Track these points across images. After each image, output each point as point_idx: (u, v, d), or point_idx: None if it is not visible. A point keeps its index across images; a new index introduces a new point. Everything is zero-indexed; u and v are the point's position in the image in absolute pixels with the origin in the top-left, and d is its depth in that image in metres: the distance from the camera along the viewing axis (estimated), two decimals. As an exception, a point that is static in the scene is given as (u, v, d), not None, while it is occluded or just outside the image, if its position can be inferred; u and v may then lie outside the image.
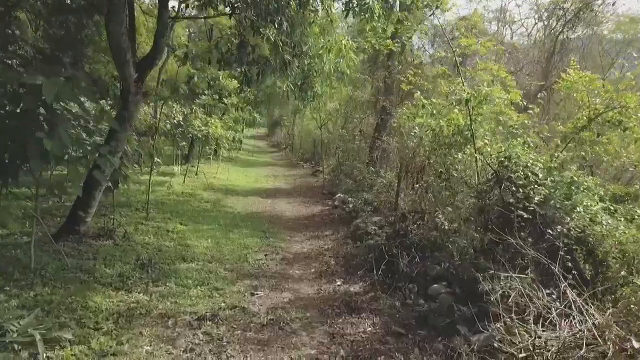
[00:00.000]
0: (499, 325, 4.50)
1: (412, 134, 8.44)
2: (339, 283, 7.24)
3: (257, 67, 7.77)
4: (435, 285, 6.56)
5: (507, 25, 23.48)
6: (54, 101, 4.94)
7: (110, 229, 8.09)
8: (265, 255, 8.57)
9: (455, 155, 6.98)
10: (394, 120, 9.38)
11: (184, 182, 15.40)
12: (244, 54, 7.42)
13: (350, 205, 11.98)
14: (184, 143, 16.95)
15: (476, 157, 6.67)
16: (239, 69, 7.99)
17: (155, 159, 11.79)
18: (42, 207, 9.56)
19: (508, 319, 4.59)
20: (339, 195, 13.65)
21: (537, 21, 19.90)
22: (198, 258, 7.91)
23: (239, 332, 5.37)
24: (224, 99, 20.91)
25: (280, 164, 28.62)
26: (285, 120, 36.17)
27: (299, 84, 8.71)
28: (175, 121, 17.49)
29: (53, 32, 15.60)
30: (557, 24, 16.14)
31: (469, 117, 6.81)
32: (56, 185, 6.10)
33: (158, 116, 13.19)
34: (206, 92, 21.01)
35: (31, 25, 16.09)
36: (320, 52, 8.16)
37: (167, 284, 6.53)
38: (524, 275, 4.86)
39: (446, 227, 6.46)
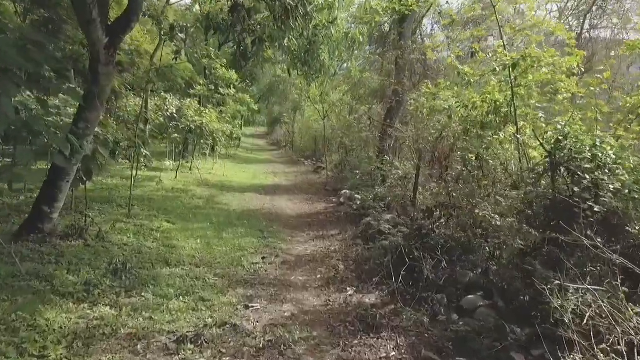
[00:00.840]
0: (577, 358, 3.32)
1: (436, 115, 7.28)
2: (350, 292, 6.05)
3: (253, 36, 6.59)
4: (470, 296, 5.38)
5: None
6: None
7: (81, 227, 6.90)
8: (263, 258, 7.38)
9: (494, 137, 5.79)
10: (409, 103, 8.17)
11: (175, 177, 14.20)
12: (238, 19, 6.24)
13: (358, 202, 10.80)
14: (176, 135, 15.71)
15: (518, 139, 5.48)
16: (232, 42, 6.83)
17: (144, 151, 10.60)
18: (13, 202, 8.41)
19: (585, 347, 3.44)
20: (344, 191, 12.47)
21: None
22: (184, 262, 6.73)
23: (227, 359, 4.18)
24: (220, 89, 19.78)
25: (280, 161, 27.44)
26: (285, 117, 35.01)
27: (302, 54, 7.53)
28: (168, 113, 16.33)
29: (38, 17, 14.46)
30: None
31: (510, 90, 5.62)
32: (2, 172, 4.88)
33: (142, 103, 11.88)
34: (201, 82, 19.90)
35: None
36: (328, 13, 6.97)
37: (143, 294, 5.35)
38: (602, 288, 3.68)
39: (497, 223, 5.23)
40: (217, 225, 9.23)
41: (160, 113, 16.98)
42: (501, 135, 5.68)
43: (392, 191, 8.49)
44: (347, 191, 12.32)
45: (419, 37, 12.32)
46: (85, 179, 7.01)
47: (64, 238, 6.68)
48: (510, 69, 5.35)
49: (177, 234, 8.07)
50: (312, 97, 17.24)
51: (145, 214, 9.08)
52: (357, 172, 10.83)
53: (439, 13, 11.80)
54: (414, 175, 7.70)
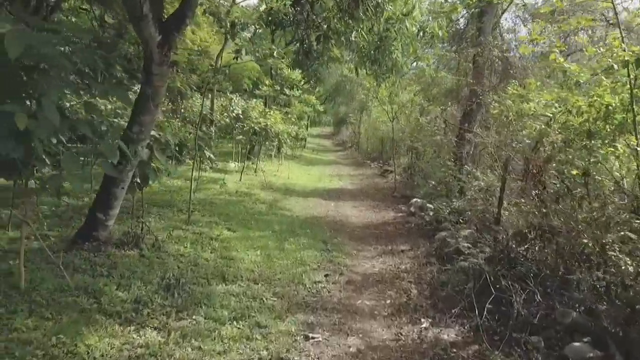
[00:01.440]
0: None
1: (525, 120, 6.30)
2: (425, 325, 5.25)
3: (318, 32, 5.96)
4: (575, 343, 4.42)
5: None
6: (20, 57, 3.36)
7: (137, 235, 6.59)
8: (326, 275, 6.73)
9: (608, 149, 4.76)
10: (492, 106, 7.20)
11: (240, 179, 13.95)
12: (301, 14, 5.64)
13: (431, 213, 9.89)
14: (241, 137, 15.51)
15: (638, 152, 4.45)
16: (295, 39, 6.26)
17: (207, 153, 10.34)
18: (78, 204, 8.37)
19: None
20: (415, 200, 11.58)
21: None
22: (241, 276, 6.23)
23: (282, 409, 3.56)
24: (285, 89, 19.45)
25: (345, 162, 26.82)
26: (352, 117, 34.37)
27: (372, 51, 6.80)
28: (234, 114, 16.18)
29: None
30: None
31: (628, 93, 4.59)
32: (48, 179, 4.56)
33: (202, 103, 11.60)
34: (267, 82, 19.67)
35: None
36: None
37: (195, 316, 4.87)
38: None
39: (618, 259, 4.23)
40: (279, 233, 8.72)
41: (225, 114, 16.89)
42: (619, 148, 4.64)
43: (472, 205, 7.54)
44: (418, 200, 11.42)
45: (499, 33, 11.15)
46: (142, 185, 6.73)
47: (120, 247, 6.39)
48: (634, 66, 4.31)
49: (237, 244, 7.62)
50: (380, 98, 16.40)
51: (206, 220, 8.74)
52: (430, 181, 9.90)
53: (523, 5, 10.62)
54: (499, 189, 6.73)
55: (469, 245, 7.20)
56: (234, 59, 8.42)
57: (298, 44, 6.61)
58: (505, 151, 6.97)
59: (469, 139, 9.42)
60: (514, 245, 6.14)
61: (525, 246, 6.02)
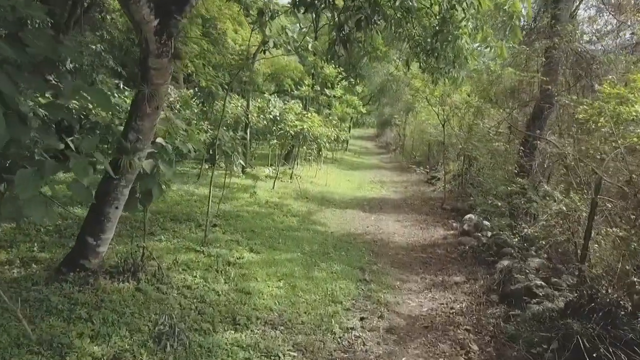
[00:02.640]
0: None
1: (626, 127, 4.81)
2: (494, 407, 3.88)
3: (359, 14, 4.67)
4: None
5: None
6: None
7: (135, 262, 5.53)
8: (362, 319, 5.43)
9: None
10: (579, 108, 5.67)
11: (273, 187, 12.84)
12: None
13: (489, 234, 8.41)
14: (275, 142, 14.44)
15: None
16: (330, 24, 5.03)
17: (238, 159, 9.27)
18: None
19: None
20: (469, 216, 10.07)
21: None
22: (257, 318, 5.04)
23: None
24: (325, 90, 18.25)
25: (388, 167, 25.36)
26: (397, 119, 32.80)
27: (429, 39, 5.41)
28: (271, 116, 15.10)
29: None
30: None
31: None
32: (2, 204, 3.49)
33: (224, 105, 10.64)
34: (306, 82, 18.58)
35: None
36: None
37: (186, 385, 3.71)
38: None
39: None
40: (308, 256, 7.51)
41: (262, 116, 15.84)
42: None
43: (548, 232, 6.03)
44: (473, 217, 9.91)
45: (577, 22, 9.42)
46: (144, 203, 5.67)
47: (114, 277, 5.33)
48: None
49: (258, 271, 6.45)
50: (428, 98, 14.88)
51: (226, 239, 7.63)
52: (490, 197, 8.39)
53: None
54: (586, 215, 5.23)
55: (541, 283, 5.72)
56: (261, 51, 7.31)
57: (334, 32, 5.33)
58: (593, 165, 5.44)
59: (540, 148, 7.85)
60: (609, 291, 4.63)
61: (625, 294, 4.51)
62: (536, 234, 5.93)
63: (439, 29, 5.00)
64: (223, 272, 6.24)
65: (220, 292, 5.56)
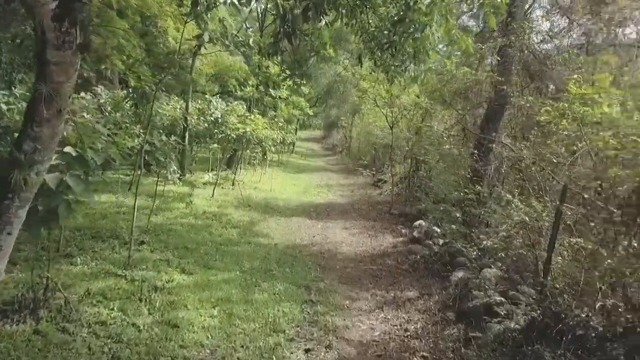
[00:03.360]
0: None
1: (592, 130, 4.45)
2: None
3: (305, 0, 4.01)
4: None
5: None
6: None
7: (36, 297, 4.61)
8: (307, 351, 4.78)
9: None
10: (528, 111, 5.29)
11: (212, 195, 11.95)
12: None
13: (440, 242, 8.01)
14: (216, 145, 13.57)
15: None
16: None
17: (172, 166, 8.39)
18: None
19: None
20: (419, 222, 9.68)
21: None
22: (185, 359, 4.28)
23: None
24: (271, 90, 17.47)
25: (335, 169, 24.93)
26: (343, 120, 32.47)
27: (385, 31, 4.78)
28: (212, 118, 14.16)
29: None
30: None
31: None
32: None
33: (150, 109, 9.79)
34: (250, 83, 17.80)
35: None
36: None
37: None
38: None
39: None
40: (249, 274, 6.78)
41: (202, 118, 14.85)
42: None
43: (507, 243, 5.61)
44: (423, 222, 9.52)
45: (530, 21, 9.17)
46: (49, 225, 4.76)
47: (7, 316, 4.40)
48: None
49: (189, 296, 5.66)
50: (376, 100, 14.48)
51: (154, 259, 6.77)
52: (442, 204, 7.99)
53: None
54: (549, 225, 4.85)
55: (502, 299, 5.29)
56: (195, 46, 6.57)
57: (278, 22, 4.64)
58: (549, 170, 5.07)
59: (495, 151, 7.50)
60: (573, 308, 4.23)
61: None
62: (495, 246, 5.52)
63: (400, 17, 4.39)
64: (147, 300, 5.41)
65: (141, 327, 4.74)
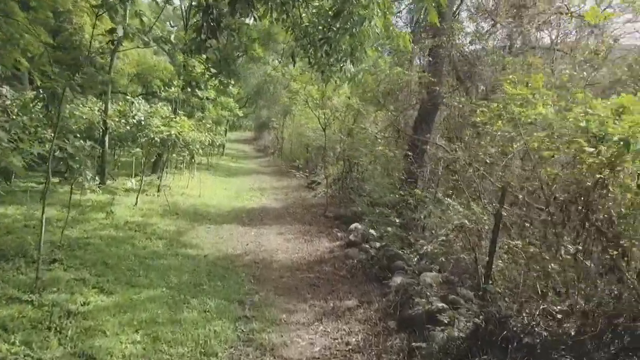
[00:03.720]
0: None
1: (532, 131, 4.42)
2: None
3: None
4: None
5: None
6: None
7: None
8: (243, 376, 4.39)
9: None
10: (459, 112, 5.23)
11: (135, 203, 11.12)
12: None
13: (377, 245, 7.87)
14: (138, 150, 12.74)
15: None
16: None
17: (88, 174, 7.63)
18: None
19: None
20: (355, 225, 9.51)
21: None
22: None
23: None
24: (197, 91, 16.71)
25: (267, 171, 24.44)
26: (274, 122, 31.99)
27: (321, 27, 4.43)
28: (135, 120, 13.20)
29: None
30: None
31: None
32: None
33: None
34: (175, 83, 16.97)
35: None
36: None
37: None
38: None
39: None
40: (176, 290, 6.24)
41: (124, 121, 13.83)
42: None
43: (447, 247, 5.51)
44: (359, 226, 9.37)
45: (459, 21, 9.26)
46: None
47: None
48: None
49: (108, 320, 5.06)
50: (308, 101, 14.23)
51: (68, 279, 6.04)
52: (377, 207, 7.87)
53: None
54: (489, 227, 4.78)
55: (444, 305, 5.18)
56: (107, 42, 5.99)
57: (202, 15, 4.19)
58: (499, 174, 5.02)
59: (429, 153, 7.44)
60: (514, 313, 4.17)
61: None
62: (435, 250, 5.41)
63: (336, 11, 4.07)
64: (58, 329, 4.75)
65: (49, 363, 4.12)
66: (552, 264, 3.75)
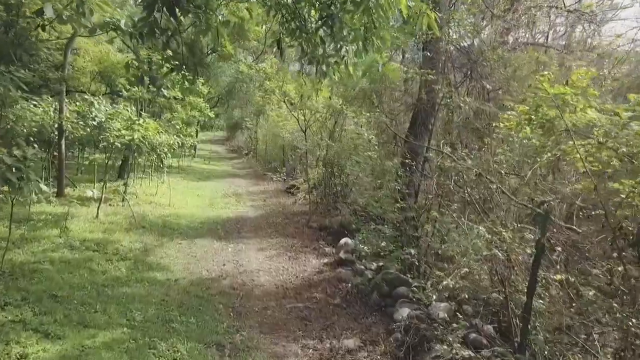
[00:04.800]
0: None
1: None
2: None
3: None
4: None
5: None
6: None
7: None
8: None
9: None
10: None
11: (96, 216, 9.88)
12: None
13: (374, 266, 6.94)
14: (97, 156, 11.51)
15: None
16: None
17: (33, 185, 6.43)
18: None
19: None
20: (345, 241, 8.53)
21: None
22: None
23: None
24: (163, 90, 15.43)
25: (242, 174, 23.27)
26: (248, 122, 30.74)
27: (327, 2, 3.40)
28: (95, 122, 11.88)
29: None
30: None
31: None
32: None
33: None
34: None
35: None
36: None
37: None
38: None
39: None
40: (140, 330, 5.16)
41: (82, 123, 12.47)
42: None
43: (474, 283, 4.54)
44: (349, 241, 8.40)
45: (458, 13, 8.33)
46: None
47: None
48: None
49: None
50: (286, 101, 13.19)
51: (3, 321, 4.89)
52: (373, 222, 6.96)
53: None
54: (530, 261, 3.87)
55: (471, 354, 4.24)
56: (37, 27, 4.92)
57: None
58: (517, 188, 4.12)
59: (432, 162, 6.48)
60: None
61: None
62: (458, 285, 4.48)
63: None
64: (-20, 401, 3.64)
65: None
66: (632, 320, 2.87)
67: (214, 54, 21.73)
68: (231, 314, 5.94)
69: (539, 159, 4.49)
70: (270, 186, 18.53)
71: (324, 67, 3.78)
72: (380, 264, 6.77)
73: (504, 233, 4.00)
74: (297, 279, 7.49)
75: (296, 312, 6.14)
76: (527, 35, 10.34)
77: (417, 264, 5.90)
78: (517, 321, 4.14)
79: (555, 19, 10.59)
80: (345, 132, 10.23)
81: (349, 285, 6.96)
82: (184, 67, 4.30)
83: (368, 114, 7.95)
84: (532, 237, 3.97)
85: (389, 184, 6.73)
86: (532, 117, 4.22)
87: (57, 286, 6.04)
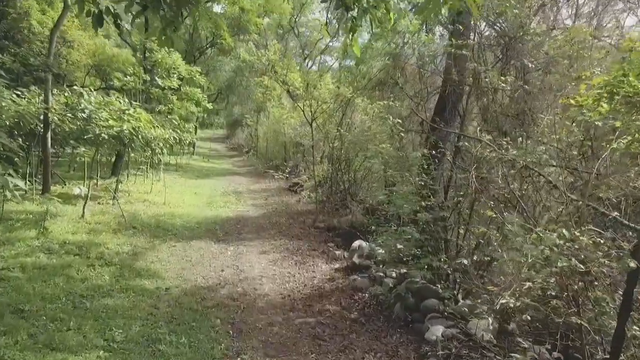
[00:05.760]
0: None
1: None
2: None
3: None
4: None
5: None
6: None
7: None
8: None
9: None
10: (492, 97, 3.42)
11: (82, 215, 8.95)
12: None
13: (394, 274, 6.02)
14: (84, 150, 10.58)
15: None
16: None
17: (9, 179, 5.51)
18: None
19: None
20: (358, 243, 7.60)
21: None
22: None
23: None
24: (157, 79, 14.52)
25: (242, 172, 22.37)
26: (248, 119, 29.83)
27: None
28: (84, 114, 10.91)
29: None
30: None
31: None
32: None
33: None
34: (130, 70, 14.81)
35: None
36: None
37: None
38: None
39: None
40: (120, 354, 4.23)
41: (70, 115, 11.51)
42: None
43: (543, 302, 3.60)
44: (363, 244, 7.48)
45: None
46: None
47: None
48: None
49: None
50: (291, 90, 12.26)
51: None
52: (396, 223, 6.05)
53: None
54: (617, 275, 2.97)
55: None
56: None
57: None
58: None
59: (467, 151, 5.52)
60: None
61: None
62: (518, 305, 3.54)
63: None
64: None
65: None
66: None
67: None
68: (230, 331, 5.00)
69: (615, 145, 3.57)
70: (272, 184, 17.60)
71: (355, 13, 2.84)
72: (403, 271, 5.84)
73: (582, 239, 3.09)
74: (305, 288, 6.54)
75: (307, 329, 5.19)
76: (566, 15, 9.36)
77: (449, 272, 4.97)
78: (591, 349, 3.22)
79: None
80: (355, 124, 9.29)
81: (367, 295, 6.03)
82: (163, 1, 3.24)
83: (385, 101, 6.98)
84: (626, 245, 3.04)
85: (413, 178, 5.78)
86: (615, 90, 3.30)
87: (26, 298, 5.12)
